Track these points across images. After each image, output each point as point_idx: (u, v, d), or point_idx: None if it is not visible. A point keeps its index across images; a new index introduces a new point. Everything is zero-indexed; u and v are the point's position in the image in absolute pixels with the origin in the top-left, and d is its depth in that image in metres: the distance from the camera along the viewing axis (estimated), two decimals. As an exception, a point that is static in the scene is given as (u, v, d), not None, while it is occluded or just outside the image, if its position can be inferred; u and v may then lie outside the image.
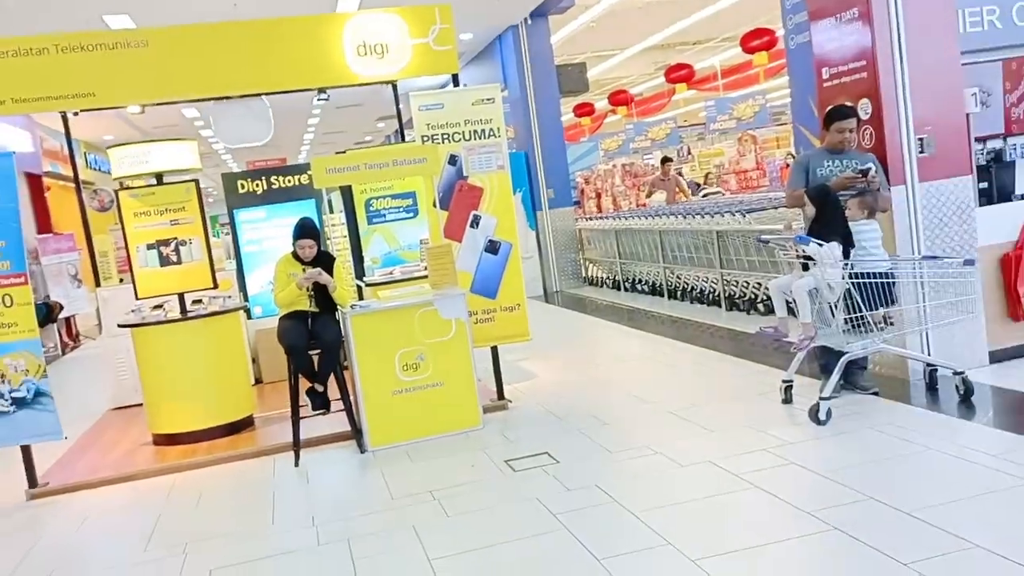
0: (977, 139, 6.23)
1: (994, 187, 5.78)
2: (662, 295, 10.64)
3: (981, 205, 5.57)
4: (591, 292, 12.51)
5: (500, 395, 6.27)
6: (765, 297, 8.39)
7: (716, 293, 9.32)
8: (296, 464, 5.40)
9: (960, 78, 5.49)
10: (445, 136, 6.07)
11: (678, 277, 10.30)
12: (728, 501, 3.88)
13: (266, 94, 6.11)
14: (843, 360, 4.83)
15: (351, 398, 5.61)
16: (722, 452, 4.53)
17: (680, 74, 18.86)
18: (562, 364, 7.62)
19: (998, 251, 5.53)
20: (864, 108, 5.39)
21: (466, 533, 3.96)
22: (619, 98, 21.92)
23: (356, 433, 5.61)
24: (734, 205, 9.76)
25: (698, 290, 9.80)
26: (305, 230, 5.61)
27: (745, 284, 8.75)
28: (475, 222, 6.13)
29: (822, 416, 4.74)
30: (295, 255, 5.66)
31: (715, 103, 21.53)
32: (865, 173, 4.93)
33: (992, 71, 6.71)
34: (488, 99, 6.09)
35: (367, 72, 6.03)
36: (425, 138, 6.03)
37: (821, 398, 4.77)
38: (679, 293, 10.27)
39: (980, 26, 6.59)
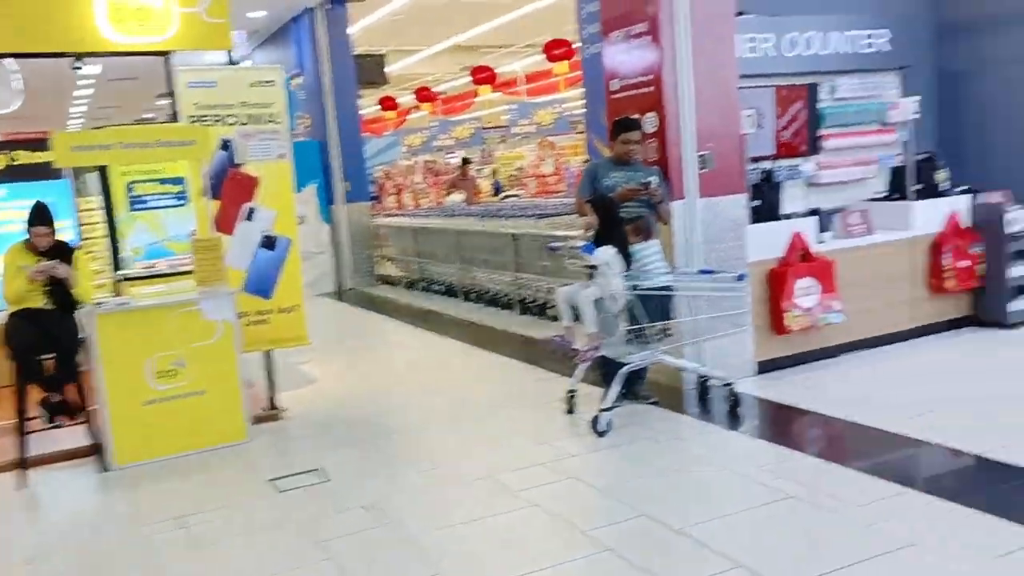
0: (750, 159, 6.55)
1: (764, 206, 6.07)
2: (457, 296, 10.50)
3: (752, 223, 5.82)
4: (385, 291, 12.16)
5: (272, 404, 5.80)
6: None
7: (510, 297, 9.30)
8: (21, 486, 4.68)
9: (738, 100, 5.70)
10: (217, 118, 5.52)
11: (473, 279, 10.20)
12: (505, 522, 3.72)
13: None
14: (623, 371, 4.85)
15: (93, 408, 4.95)
16: (504, 465, 4.38)
17: (484, 76, 18.90)
18: (346, 367, 7.24)
19: (766, 267, 5.80)
20: (650, 121, 5.47)
21: (213, 568, 3.52)
22: (424, 95, 21.69)
23: (97, 449, 4.96)
24: (530, 209, 9.80)
25: (492, 293, 9.75)
26: (40, 216, 4.90)
27: (539, 289, 8.78)
28: (250, 215, 5.63)
29: (601, 427, 4.72)
30: (28, 244, 4.92)
31: (518, 107, 21.88)
32: (647, 185, 4.97)
33: (766, 96, 7.11)
34: (268, 81, 5.62)
35: (125, 40, 5.34)
36: (193, 119, 5.45)
37: (601, 409, 4.76)
38: (474, 295, 10.18)
39: (756, 52, 6.97)
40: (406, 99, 22.95)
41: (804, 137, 7.45)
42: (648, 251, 5.07)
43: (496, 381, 6.32)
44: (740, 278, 4.94)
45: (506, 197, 15.19)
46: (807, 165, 7.45)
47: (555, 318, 8.37)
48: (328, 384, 6.66)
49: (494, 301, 9.68)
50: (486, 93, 20.76)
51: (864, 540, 3.22)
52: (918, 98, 6.66)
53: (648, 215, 5.18)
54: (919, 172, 6.51)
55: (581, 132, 22.85)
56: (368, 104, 24.61)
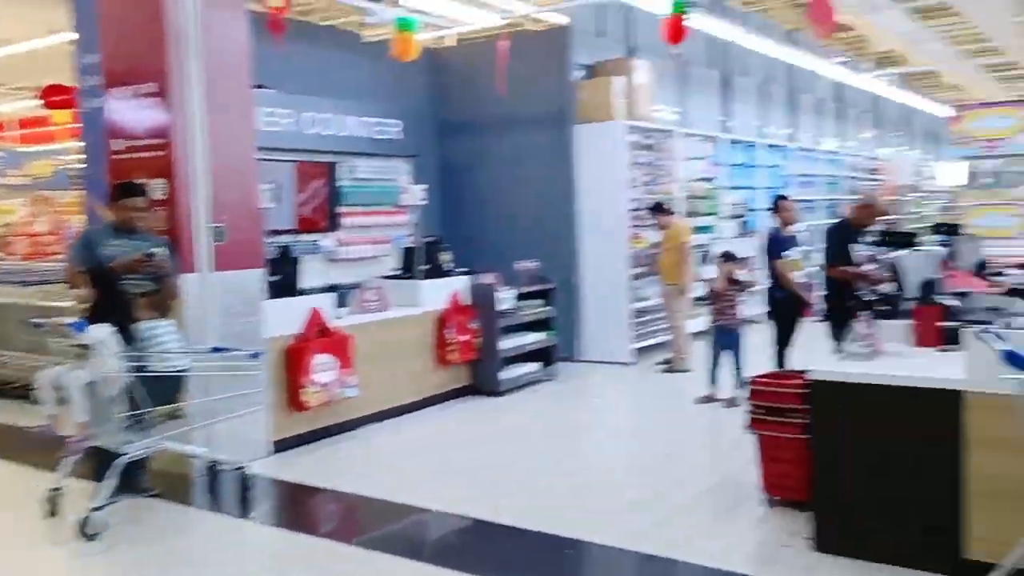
0: (270, 233, 6.50)
1: (283, 281, 6.02)
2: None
3: (271, 298, 5.72)
4: None
5: None
6: (45, 383, 7.32)
7: (-15, 377, 7.83)
8: None
9: (256, 172, 5.61)
10: None
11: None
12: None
13: None
14: (119, 463, 4.30)
15: None
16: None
17: (-34, 117, 16.17)
18: None
19: (283, 343, 5.73)
20: (159, 188, 5.09)
21: None
22: None
23: None
24: (16, 274, 8.45)
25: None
26: None
27: (22, 368, 7.52)
28: None
29: (92, 529, 4.11)
30: None
31: (6, 155, 19.04)
32: (151, 256, 4.58)
33: (286, 170, 7.17)
34: None
35: None
36: None
37: (92, 508, 4.15)
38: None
39: (277, 127, 7.01)
40: None
41: (324, 213, 7.65)
42: (160, 329, 4.61)
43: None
44: (255, 356, 4.78)
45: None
46: (327, 241, 7.66)
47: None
48: None
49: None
50: (-34, 136, 17.78)
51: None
52: (425, 185, 7.31)
53: (157, 289, 4.76)
54: (427, 253, 7.08)
55: (82, 188, 20.70)
56: None
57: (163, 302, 4.69)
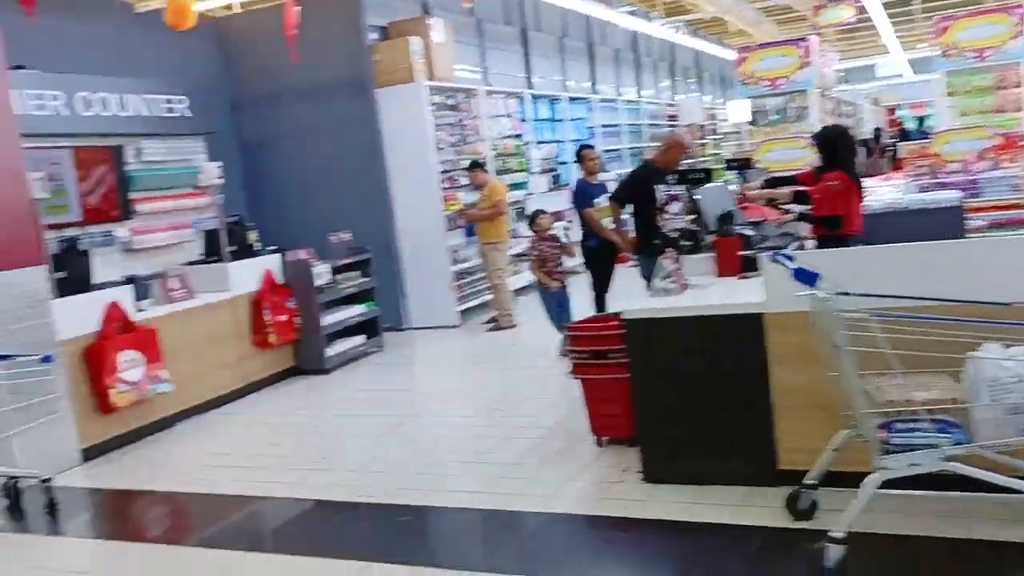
0: (51, 227, 5.93)
1: (72, 277, 5.52)
2: None
3: (60, 296, 5.24)
4: None
5: None
6: None
7: None
8: None
9: (23, 161, 5.07)
10: None
11: None
12: None
13: None
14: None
15: None
16: None
17: None
18: None
19: (82, 343, 5.27)
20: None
21: None
22: None
23: None
24: None
25: None
26: None
27: None
28: None
29: None
30: None
31: None
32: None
33: (63, 157, 6.54)
34: None
35: None
36: None
37: None
38: None
39: (46, 110, 6.37)
40: None
41: (114, 201, 7.07)
42: None
43: None
44: (46, 359, 4.37)
45: None
46: (121, 231, 7.09)
47: None
48: None
49: None
50: None
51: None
52: (220, 164, 6.89)
53: None
54: (231, 234, 6.72)
55: None
56: None
57: None
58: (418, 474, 4.39)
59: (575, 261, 6.85)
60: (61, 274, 5.40)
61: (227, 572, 3.44)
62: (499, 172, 9.27)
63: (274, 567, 3.46)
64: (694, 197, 4.72)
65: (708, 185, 4.94)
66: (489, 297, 8.40)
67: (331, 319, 7.08)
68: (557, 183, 10.93)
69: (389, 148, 8.31)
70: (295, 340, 6.88)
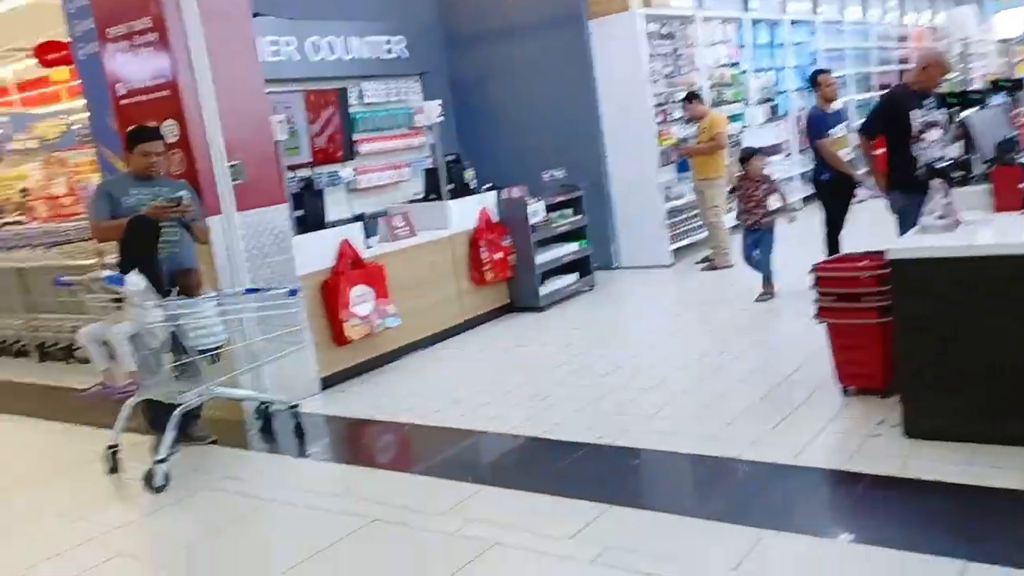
0: (289, 168, 6.27)
1: (308, 215, 5.83)
2: (-50, 352, 8.52)
3: (299, 233, 5.54)
4: None
5: None
6: (83, 343, 7.26)
7: (24, 343, 7.79)
8: None
9: (267, 105, 5.36)
10: None
11: (-31, 328, 8.36)
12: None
13: None
14: (177, 413, 4.21)
15: None
16: (32, 559, 3.50)
17: (-35, 84, 15.89)
18: None
19: (318, 278, 5.57)
20: (171, 130, 4.86)
21: None
22: None
23: None
24: (38, 237, 8.32)
25: (1, 340, 8.09)
26: None
27: (60, 329, 7.47)
28: None
29: (158, 482, 4.05)
30: None
31: (11, 119, 18.79)
32: (178, 201, 4.38)
33: (296, 101, 6.88)
34: None
35: None
36: None
37: (156, 461, 4.08)
38: (-27, 348, 8.35)
39: (280, 56, 6.69)
40: None
41: (339, 143, 7.39)
42: (203, 309, 4.40)
43: (14, 451, 5.14)
44: (292, 293, 4.62)
45: (4, 224, 12.85)
46: (345, 171, 7.41)
47: (84, 361, 7.23)
48: None
49: (4, 350, 8.06)
50: (-33, 104, 17.52)
51: (453, 549, 3.13)
52: (440, 101, 6.96)
53: (188, 252, 4.59)
54: (450, 173, 6.82)
55: (93, 146, 20.44)
56: None
57: (200, 278, 4.50)
58: (643, 416, 4.29)
59: (787, 200, 6.43)
60: (299, 213, 5.71)
61: (464, 503, 3.51)
62: (714, 104, 8.80)
63: (506, 501, 3.49)
64: (962, 122, 4.17)
65: (979, 109, 4.36)
66: (703, 235, 8.07)
67: (544, 257, 7.07)
68: (775, 114, 10.25)
69: (601, 81, 8.09)
70: (510, 278, 6.95)
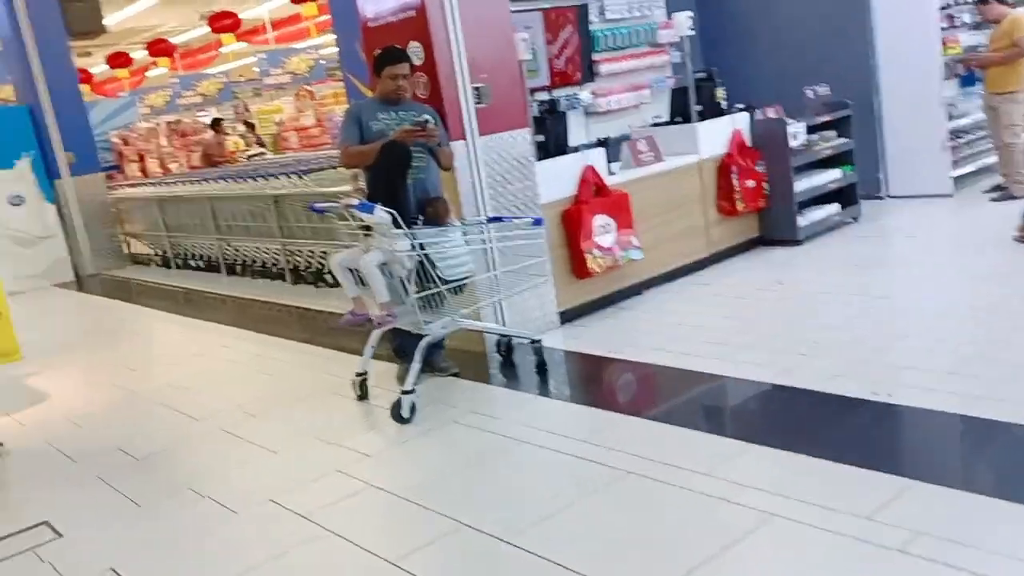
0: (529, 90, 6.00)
1: (548, 140, 5.55)
2: (219, 271, 9.30)
3: (540, 159, 5.28)
4: (136, 273, 10.64)
5: (-16, 439, 4.58)
6: (332, 267, 7.57)
7: (279, 266, 8.29)
8: None
9: (511, 23, 5.07)
10: None
11: (236, 250, 9.04)
12: (295, 563, 2.95)
13: None
14: (423, 344, 4.16)
15: None
16: (287, 483, 3.58)
17: (226, 23, 17.13)
18: (86, 376, 6.00)
19: (559, 207, 5.30)
20: (416, 53, 4.71)
21: None
22: (159, 48, 19.40)
23: None
24: (291, 165, 8.75)
25: (259, 263, 8.67)
26: None
27: (310, 254, 7.84)
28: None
29: (405, 413, 4.03)
30: None
31: (267, 56, 20.16)
32: (424, 125, 4.24)
33: (534, 20, 6.57)
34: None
35: None
36: None
37: (403, 392, 4.05)
38: (238, 268, 9.03)
39: (523, -29, 6.36)
40: (140, 55, 20.49)
41: (578, 64, 7.03)
42: (451, 238, 4.26)
43: (270, 371, 5.41)
44: (537, 223, 4.38)
45: (252, 156, 13.84)
46: (583, 93, 7.05)
47: (333, 285, 7.55)
48: (63, 400, 5.44)
49: (262, 272, 8.63)
50: (230, 43, 18.93)
51: (723, 517, 2.78)
52: (690, 13, 6.35)
53: (434, 178, 4.47)
54: (699, 92, 6.26)
55: (340, 79, 21.55)
56: (97, 63, 21.79)
57: (448, 206, 4.36)
58: (905, 367, 3.70)
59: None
60: (539, 137, 5.44)
61: (729, 463, 3.13)
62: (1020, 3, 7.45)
63: (780, 464, 3.07)
64: None
65: None
66: (994, 160, 6.93)
67: (804, 185, 6.35)
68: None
69: (873, -20, 7.08)
70: (762, 208, 6.32)
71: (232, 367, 5.62)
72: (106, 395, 5.44)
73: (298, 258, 7.99)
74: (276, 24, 19.17)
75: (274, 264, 8.39)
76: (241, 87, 22.53)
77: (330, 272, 7.57)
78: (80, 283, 10.58)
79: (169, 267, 10.37)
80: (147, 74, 23.06)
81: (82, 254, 10.89)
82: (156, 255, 10.84)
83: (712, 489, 2.95)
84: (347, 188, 7.25)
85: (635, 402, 4.17)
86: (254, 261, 8.74)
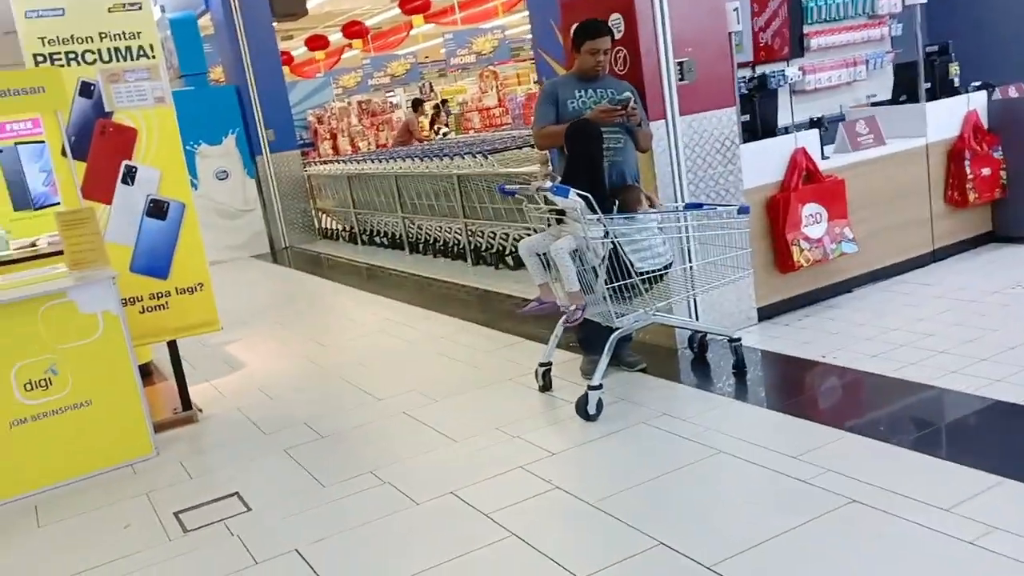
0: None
1: (754, 120, 5.10)
2: (403, 248, 9.45)
3: (744, 141, 4.86)
4: (325, 247, 11.06)
5: (186, 403, 4.77)
6: (513, 249, 7.46)
7: (461, 245, 8.28)
8: None
9: (721, -10, 4.67)
10: (72, 56, 4.34)
11: (419, 228, 9.14)
12: (472, 567, 2.78)
13: None
14: (614, 338, 3.90)
15: (-56, 440, 3.89)
16: (468, 475, 3.44)
17: (416, 5, 17.50)
18: (279, 346, 6.20)
19: (764, 193, 4.86)
20: (616, 25, 4.42)
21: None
22: (353, 31, 20.20)
23: (-46, 488, 3.91)
24: (475, 145, 8.72)
25: (441, 242, 8.71)
26: None
27: (491, 235, 7.77)
28: (129, 176, 4.50)
29: (592, 409, 3.79)
30: None
31: (453, 36, 20.46)
32: (625, 104, 3.95)
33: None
34: (132, 4, 4.42)
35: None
36: (40, 58, 4.27)
37: (590, 387, 3.81)
38: (421, 246, 9.14)
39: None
40: (335, 37, 21.41)
41: (786, 37, 6.46)
42: (648, 227, 3.96)
43: (451, 353, 5.33)
44: (743, 211, 3.99)
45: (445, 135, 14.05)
46: (790, 70, 6.48)
47: (513, 267, 7.43)
48: (257, 369, 5.63)
49: (443, 251, 8.67)
50: (419, 24, 19.36)
51: (975, 567, 2.34)
52: (925, -22, 5.66)
53: (630, 160, 4.18)
54: (927, 68, 5.57)
55: (523, 60, 21.56)
56: (297, 46, 23.01)
57: (641, 194, 4.06)
58: None
59: None
60: (745, 117, 5.01)
61: (976, 500, 2.66)
62: None
63: (1013, 498, 2.58)
64: None
65: None
66: None
67: (1050, 175, 5.53)
68: None
69: None
70: (998, 199, 5.56)
71: (413, 347, 5.60)
72: (295, 367, 5.57)
73: (479, 238, 7.94)
74: (463, 4, 19.41)
75: (455, 244, 8.40)
76: (427, 68, 23.08)
77: (511, 254, 7.48)
78: (275, 255, 11.11)
79: (356, 243, 10.68)
80: (341, 56, 24.08)
81: (278, 227, 11.44)
82: (344, 230, 11.21)
83: (958, 530, 2.50)
84: (532, 169, 7.11)
85: (851, 416, 3.71)
86: (436, 240, 8.79)
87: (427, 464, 3.65)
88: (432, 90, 21.40)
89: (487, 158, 7.75)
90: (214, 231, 10.88)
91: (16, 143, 5.91)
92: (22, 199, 5.94)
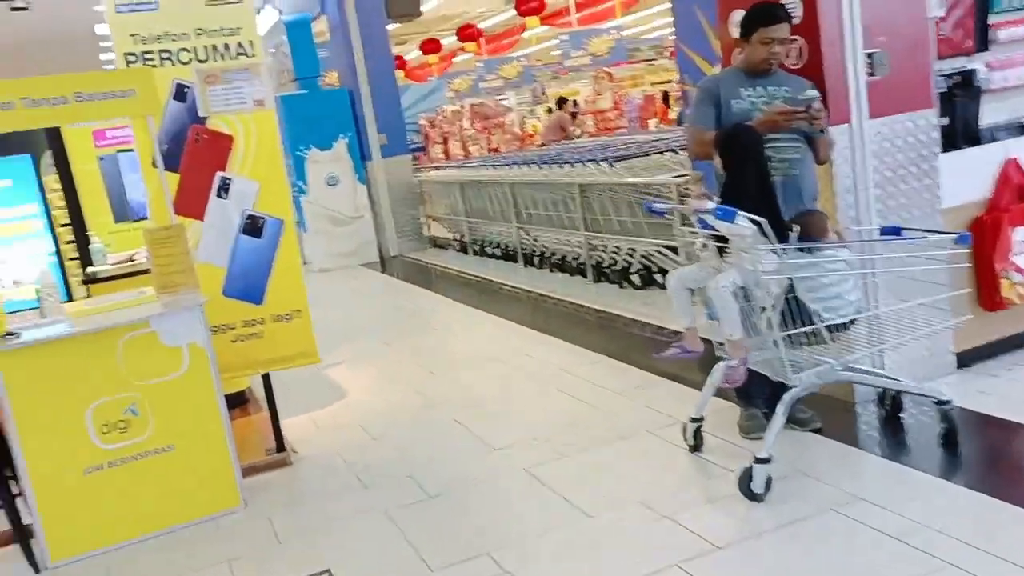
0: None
1: (952, 126, 4.21)
2: (516, 261, 8.84)
3: (943, 150, 3.99)
4: (435, 257, 10.57)
5: (279, 443, 4.26)
6: (641, 267, 6.72)
7: (580, 260, 7.59)
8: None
9: (919, -32, 3.83)
10: (166, 55, 3.89)
11: (535, 240, 8.50)
12: None
13: None
14: (790, 398, 3.12)
15: (16, 486, 3.48)
16: (610, 571, 2.74)
17: (532, 6, 16.96)
18: (383, 372, 5.66)
19: (966, 214, 3.98)
20: (793, 9, 3.64)
21: None
22: (467, 33, 19.85)
23: (24, 539, 3.49)
24: (598, 151, 8.01)
25: (559, 256, 8.05)
26: None
27: (615, 250, 7.05)
28: (223, 189, 4.03)
29: (758, 488, 3.03)
30: None
31: (569, 38, 19.84)
32: (809, 105, 3.17)
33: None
34: (230, -2, 3.94)
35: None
36: (132, 57, 3.84)
37: (757, 459, 3.05)
38: (536, 259, 8.49)
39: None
40: (448, 41, 21.14)
41: (970, 29, 5.49)
42: (836, 264, 3.18)
43: (575, 392, 4.62)
44: (962, 239, 3.14)
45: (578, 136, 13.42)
46: (976, 65, 5.51)
47: (640, 284, 6.70)
48: (358, 400, 5.10)
49: (560, 265, 8.00)
50: (534, 26, 18.82)
51: None
52: None
53: (810, 175, 3.41)
54: None
55: (639, 61, 20.70)
56: (410, 50, 22.89)
57: (825, 222, 3.28)
58: None
59: None
60: (943, 120, 4.13)
61: None
62: None
63: None
64: None
65: None
66: None
67: None
68: None
69: None
70: None
71: (532, 381, 4.95)
72: (400, 399, 5.00)
73: (602, 253, 7.24)
74: (580, 5, 18.73)
75: (575, 258, 7.72)
76: (540, 70, 22.54)
77: (637, 272, 6.75)
78: (383, 264, 10.71)
79: (466, 252, 10.15)
80: (454, 60, 23.84)
81: (387, 235, 11.04)
82: (455, 239, 10.71)
83: None
84: (664, 178, 6.37)
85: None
86: (553, 253, 8.13)
87: (556, 548, 2.98)
88: (544, 93, 20.81)
89: (612, 165, 7.04)
90: (324, 238, 10.59)
91: (117, 151, 5.60)
92: (122, 210, 5.61)
